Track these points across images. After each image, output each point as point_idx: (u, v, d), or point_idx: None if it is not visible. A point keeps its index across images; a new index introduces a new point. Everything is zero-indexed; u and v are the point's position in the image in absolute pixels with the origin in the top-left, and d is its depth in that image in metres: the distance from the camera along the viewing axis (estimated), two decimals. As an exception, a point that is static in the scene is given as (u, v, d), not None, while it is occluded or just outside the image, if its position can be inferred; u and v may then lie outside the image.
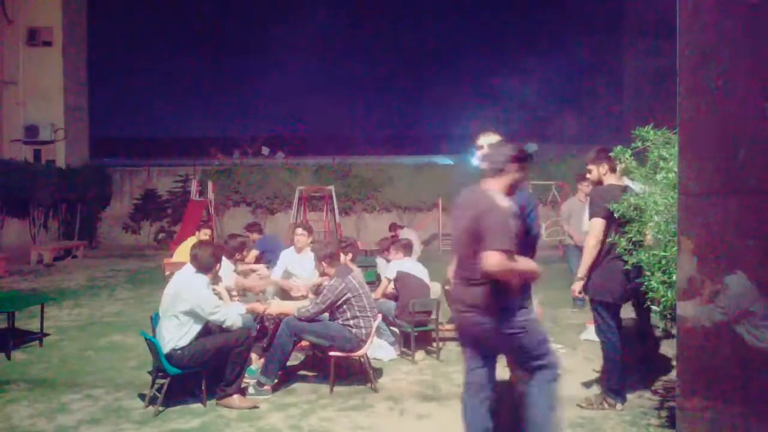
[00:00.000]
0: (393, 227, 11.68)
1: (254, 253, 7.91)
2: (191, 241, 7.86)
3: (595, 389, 4.78)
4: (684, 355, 2.46)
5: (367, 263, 8.87)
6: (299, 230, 6.77)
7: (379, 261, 7.93)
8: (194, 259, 4.66)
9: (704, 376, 2.40)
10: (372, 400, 4.76)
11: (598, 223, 4.35)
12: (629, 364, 4.94)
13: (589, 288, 4.45)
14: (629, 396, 4.67)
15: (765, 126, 2.20)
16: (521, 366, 3.43)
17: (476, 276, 3.12)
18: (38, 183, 15.05)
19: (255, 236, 8.28)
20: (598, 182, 4.63)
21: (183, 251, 7.90)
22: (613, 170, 4.55)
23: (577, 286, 4.51)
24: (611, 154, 4.56)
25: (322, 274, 5.30)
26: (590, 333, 5.58)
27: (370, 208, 17.81)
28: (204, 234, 8.12)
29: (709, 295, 2.37)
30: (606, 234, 4.34)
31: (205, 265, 4.66)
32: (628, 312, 5.39)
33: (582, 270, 4.45)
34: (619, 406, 4.42)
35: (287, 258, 6.72)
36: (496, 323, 3.14)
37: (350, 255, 6.00)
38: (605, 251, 4.36)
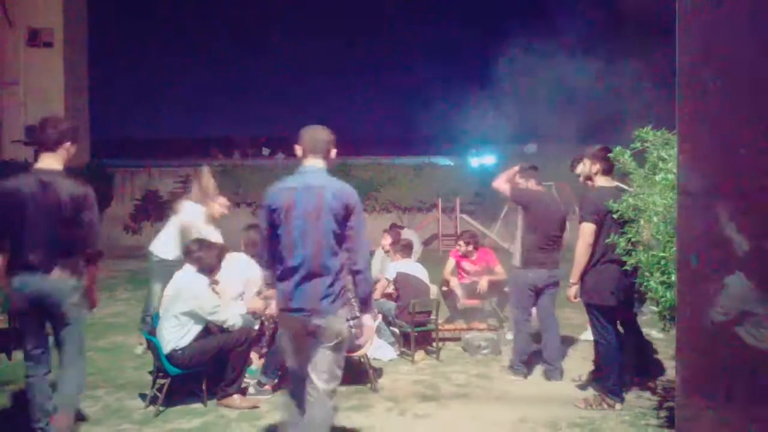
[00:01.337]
0: (393, 227, 11.67)
1: None
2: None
3: (593, 390, 4.79)
4: (683, 355, 2.47)
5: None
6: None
7: (378, 254, 7.86)
8: (198, 260, 4.65)
9: (704, 376, 2.40)
10: (371, 400, 4.77)
11: (588, 228, 4.37)
12: (627, 364, 4.95)
13: (583, 291, 4.47)
14: (628, 396, 4.68)
15: (764, 126, 2.20)
16: None
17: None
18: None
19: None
20: (587, 178, 4.64)
21: None
22: (605, 172, 4.56)
23: (572, 291, 4.53)
24: (610, 155, 4.57)
25: None
26: (589, 334, 5.59)
27: (370, 209, 17.82)
28: None
29: (708, 296, 2.38)
30: (597, 238, 4.36)
31: (209, 266, 4.66)
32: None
33: (574, 275, 4.48)
34: (618, 406, 4.45)
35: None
36: None
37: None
38: (599, 255, 4.39)
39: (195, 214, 5.75)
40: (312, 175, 3.30)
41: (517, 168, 5.44)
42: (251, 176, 17.87)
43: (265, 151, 18.74)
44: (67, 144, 3.64)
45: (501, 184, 5.35)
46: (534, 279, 5.14)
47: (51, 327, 3.74)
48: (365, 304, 3.41)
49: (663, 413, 4.35)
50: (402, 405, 4.67)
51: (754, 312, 2.30)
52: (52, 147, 3.59)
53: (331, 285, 3.19)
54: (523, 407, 4.57)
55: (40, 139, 3.63)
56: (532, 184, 5.33)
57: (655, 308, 3.92)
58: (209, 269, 4.67)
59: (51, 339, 3.82)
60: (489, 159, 19.47)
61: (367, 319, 3.44)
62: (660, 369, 5.38)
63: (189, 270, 4.72)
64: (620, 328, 4.76)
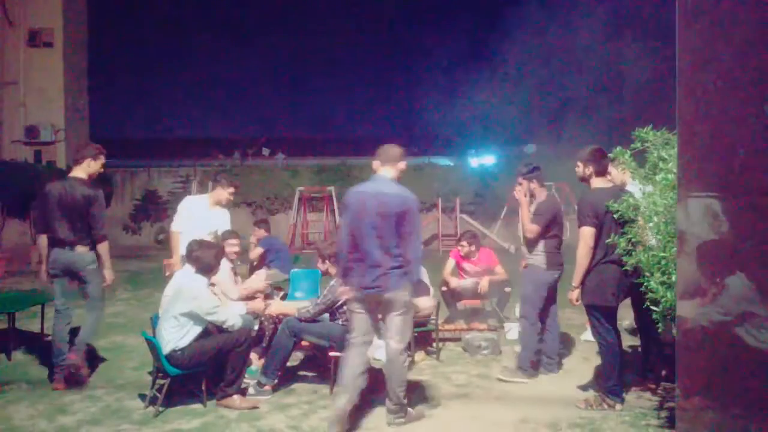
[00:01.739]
0: None
1: (258, 250, 7.84)
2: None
3: (593, 390, 4.79)
4: (684, 356, 2.46)
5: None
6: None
7: None
8: (196, 260, 4.66)
9: (704, 376, 2.40)
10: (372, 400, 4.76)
11: (588, 232, 4.36)
12: (627, 365, 4.95)
13: (583, 292, 4.47)
14: (628, 396, 4.68)
15: (764, 127, 2.20)
16: None
17: None
18: (39, 184, 15.04)
19: (261, 233, 8.08)
20: (583, 180, 4.63)
21: None
22: (600, 174, 4.53)
23: (574, 294, 4.53)
24: (610, 155, 4.57)
25: (325, 273, 5.29)
26: (590, 334, 5.59)
27: (370, 209, 17.80)
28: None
29: (708, 296, 2.37)
30: (597, 240, 4.36)
31: (207, 266, 4.66)
32: (629, 313, 5.41)
33: (576, 278, 4.47)
34: (618, 406, 4.44)
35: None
36: None
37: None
38: (599, 256, 4.38)
39: (200, 207, 6.06)
40: (382, 181, 4.25)
41: (524, 183, 5.28)
42: (251, 176, 17.87)
43: (265, 151, 18.71)
44: (88, 160, 5.21)
45: (532, 227, 5.10)
46: (555, 280, 5.25)
47: (78, 285, 5.21)
48: (416, 288, 4.38)
49: (663, 413, 4.34)
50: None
51: (754, 312, 2.30)
52: (78, 162, 5.22)
53: (396, 268, 4.08)
54: (524, 407, 4.57)
55: (73, 156, 5.45)
56: (535, 185, 5.31)
57: (655, 309, 3.91)
58: (208, 269, 4.67)
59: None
60: (489, 159, 19.47)
61: (421, 301, 4.61)
62: (662, 364, 5.38)
63: (188, 270, 4.71)
64: (625, 327, 4.78)
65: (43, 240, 5.15)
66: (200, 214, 5.97)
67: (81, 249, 5.06)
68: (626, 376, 4.74)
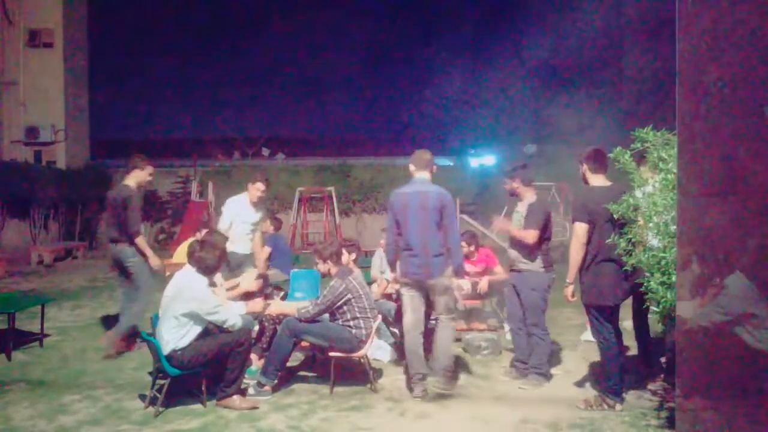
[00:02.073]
0: None
1: (267, 249, 7.63)
2: (191, 242, 7.81)
3: (594, 390, 4.79)
4: (684, 355, 2.46)
5: (367, 264, 8.85)
6: (261, 185, 6.59)
7: (377, 254, 7.84)
8: (199, 260, 4.65)
9: (704, 376, 2.40)
10: (372, 400, 4.76)
11: (580, 228, 4.38)
12: (627, 365, 4.95)
13: (582, 292, 4.48)
14: (628, 397, 4.68)
15: (764, 127, 2.20)
16: None
17: None
18: (39, 184, 15.05)
19: (267, 225, 7.85)
20: (584, 180, 4.64)
21: (182, 252, 7.86)
22: (596, 171, 4.54)
23: (569, 290, 4.56)
24: (610, 155, 4.56)
25: (325, 273, 5.29)
26: (590, 334, 5.59)
27: (370, 209, 17.82)
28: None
29: (709, 296, 2.37)
30: (590, 238, 4.37)
31: (210, 266, 4.66)
32: (630, 313, 5.41)
33: (570, 274, 4.50)
34: (618, 406, 4.44)
35: (238, 206, 6.55)
36: None
37: (353, 255, 6.00)
38: (594, 254, 4.37)
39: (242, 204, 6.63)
40: (421, 183, 4.92)
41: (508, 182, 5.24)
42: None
43: (265, 151, 18.73)
44: (136, 170, 6.18)
45: (531, 232, 5.01)
46: (553, 280, 5.16)
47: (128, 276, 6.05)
48: (457, 271, 4.87)
49: (664, 414, 4.34)
50: (402, 405, 4.66)
51: (754, 312, 2.30)
52: (128, 172, 6.23)
53: (437, 256, 4.75)
54: (524, 408, 4.57)
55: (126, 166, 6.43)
56: (518, 184, 5.17)
57: (655, 309, 3.91)
58: (209, 270, 4.67)
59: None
60: (489, 159, 19.46)
61: (462, 282, 5.05)
62: (660, 369, 5.39)
63: (189, 270, 4.71)
64: (626, 327, 4.75)
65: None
66: (243, 212, 6.50)
67: (121, 245, 5.93)
68: (626, 376, 4.73)
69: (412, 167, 5.01)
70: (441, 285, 4.78)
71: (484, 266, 6.82)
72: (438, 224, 4.75)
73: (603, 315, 4.44)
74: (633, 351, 5.63)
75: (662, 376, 4.97)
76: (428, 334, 5.03)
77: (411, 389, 4.86)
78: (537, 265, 5.05)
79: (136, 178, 6.17)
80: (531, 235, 4.98)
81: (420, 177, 4.95)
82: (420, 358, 4.83)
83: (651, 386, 4.93)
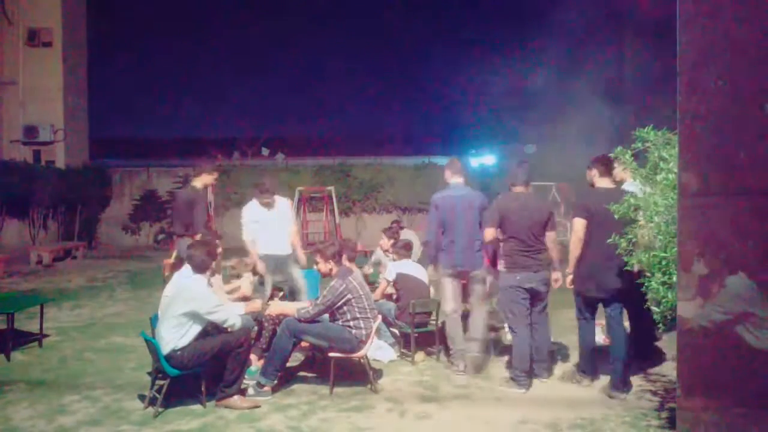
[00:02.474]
0: (394, 224, 11.79)
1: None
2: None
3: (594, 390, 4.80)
4: (684, 356, 2.46)
5: (365, 263, 8.84)
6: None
7: (378, 253, 7.84)
8: (189, 259, 4.67)
9: (704, 376, 2.40)
10: (372, 401, 4.76)
11: (578, 223, 4.84)
12: (629, 363, 4.96)
13: (574, 281, 4.93)
14: (629, 397, 4.69)
15: (765, 126, 2.20)
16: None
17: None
18: (38, 184, 15.03)
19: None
20: (591, 184, 5.08)
21: None
22: (603, 174, 4.98)
23: (568, 279, 4.98)
24: (611, 155, 4.64)
25: (326, 274, 5.28)
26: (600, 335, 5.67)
27: (370, 209, 17.81)
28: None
29: (709, 296, 2.37)
30: (588, 232, 4.75)
31: (201, 264, 4.66)
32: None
33: (570, 265, 4.92)
34: (585, 382, 4.97)
35: (256, 212, 6.65)
36: None
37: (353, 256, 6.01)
38: (592, 251, 4.74)
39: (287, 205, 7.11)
40: (460, 187, 5.55)
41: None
42: (251, 176, 17.85)
43: (265, 151, 18.67)
44: (204, 175, 7.01)
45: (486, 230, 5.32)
46: (522, 281, 5.15)
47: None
48: (493, 264, 5.71)
49: (664, 414, 4.34)
50: (402, 406, 4.66)
51: (755, 312, 2.29)
52: (197, 175, 7.03)
53: (478, 251, 5.44)
54: (524, 408, 4.57)
55: (194, 171, 7.46)
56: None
57: (656, 309, 3.91)
58: (202, 267, 4.66)
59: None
60: (489, 159, 19.45)
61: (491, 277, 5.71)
62: (662, 364, 5.40)
63: (188, 270, 4.71)
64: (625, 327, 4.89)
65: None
66: (262, 216, 6.63)
67: (186, 240, 6.36)
68: (627, 374, 4.74)
69: (448, 173, 5.63)
70: (480, 276, 5.48)
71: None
72: (479, 223, 5.35)
73: (586, 304, 4.92)
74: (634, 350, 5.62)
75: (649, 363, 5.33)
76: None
77: (452, 364, 5.45)
78: (501, 265, 5.37)
79: (203, 180, 6.95)
80: (485, 233, 5.28)
81: (457, 181, 5.55)
82: (461, 337, 5.44)
83: (651, 386, 4.93)
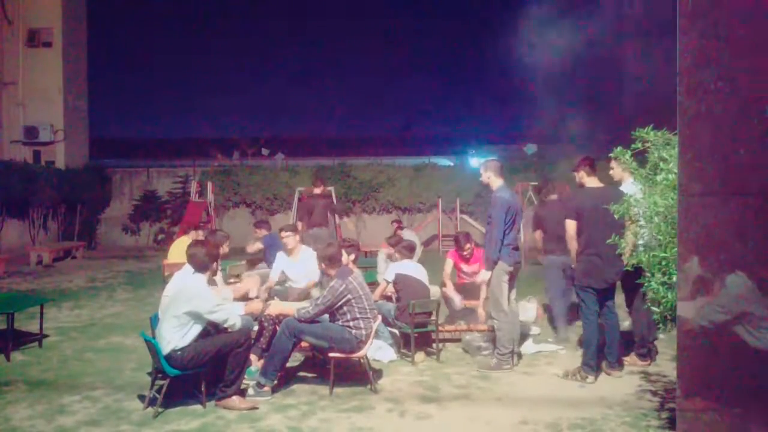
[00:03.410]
0: (396, 223, 11.89)
1: (258, 245, 7.92)
2: (183, 241, 7.87)
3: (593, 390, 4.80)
4: (684, 356, 2.46)
5: (367, 264, 8.85)
6: (283, 233, 6.73)
7: (380, 256, 7.85)
8: (190, 258, 4.67)
9: (704, 376, 2.40)
10: (372, 401, 4.76)
11: (569, 224, 5.19)
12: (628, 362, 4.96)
13: (575, 276, 5.22)
14: (629, 397, 4.69)
15: (765, 126, 2.19)
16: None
17: None
18: (38, 184, 15.04)
19: (263, 233, 8.25)
20: (579, 185, 5.37)
21: (175, 251, 7.91)
22: (590, 174, 5.27)
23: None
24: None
25: (326, 274, 5.28)
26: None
27: (370, 209, 17.81)
28: (196, 234, 8.12)
29: (709, 296, 2.37)
30: (581, 230, 5.08)
31: (201, 264, 4.66)
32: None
33: (572, 261, 5.33)
34: (590, 379, 5.04)
35: (282, 261, 6.72)
36: None
37: (353, 256, 6.00)
38: (582, 248, 5.08)
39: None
40: (509, 189, 5.65)
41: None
42: (251, 176, 17.84)
43: (265, 151, 18.67)
44: (321, 186, 9.50)
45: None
46: (513, 267, 5.62)
47: None
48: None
49: (664, 414, 4.34)
50: (402, 406, 4.66)
51: (754, 312, 2.29)
52: (316, 186, 9.31)
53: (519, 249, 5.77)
54: (524, 408, 4.56)
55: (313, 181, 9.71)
56: (491, 175, 5.60)
57: (656, 309, 3.90)
58: (203, 266, 4.66)
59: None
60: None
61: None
62: (662, 364, 5.39)
63: (188, 270, 4.71)
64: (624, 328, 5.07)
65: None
66: (286, 266, 6.70)
67: (322, 230, 7.56)
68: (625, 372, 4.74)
69: (492, 175, 5.55)
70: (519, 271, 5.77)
71: (477, 266, 6.83)
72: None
73: (589, 298, 5.09)
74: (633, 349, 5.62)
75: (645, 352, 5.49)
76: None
77: (505, 363, 5.47)
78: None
79: (321, 189, 9.22)
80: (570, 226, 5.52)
81: (503, 183, 5.61)
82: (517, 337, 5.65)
83: (651, 386, 4.93)
